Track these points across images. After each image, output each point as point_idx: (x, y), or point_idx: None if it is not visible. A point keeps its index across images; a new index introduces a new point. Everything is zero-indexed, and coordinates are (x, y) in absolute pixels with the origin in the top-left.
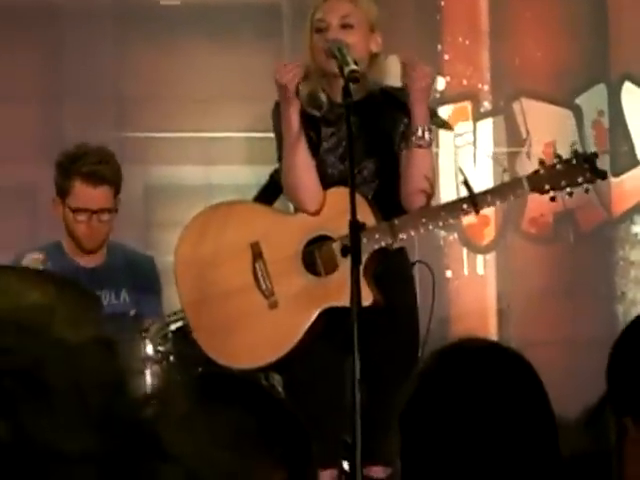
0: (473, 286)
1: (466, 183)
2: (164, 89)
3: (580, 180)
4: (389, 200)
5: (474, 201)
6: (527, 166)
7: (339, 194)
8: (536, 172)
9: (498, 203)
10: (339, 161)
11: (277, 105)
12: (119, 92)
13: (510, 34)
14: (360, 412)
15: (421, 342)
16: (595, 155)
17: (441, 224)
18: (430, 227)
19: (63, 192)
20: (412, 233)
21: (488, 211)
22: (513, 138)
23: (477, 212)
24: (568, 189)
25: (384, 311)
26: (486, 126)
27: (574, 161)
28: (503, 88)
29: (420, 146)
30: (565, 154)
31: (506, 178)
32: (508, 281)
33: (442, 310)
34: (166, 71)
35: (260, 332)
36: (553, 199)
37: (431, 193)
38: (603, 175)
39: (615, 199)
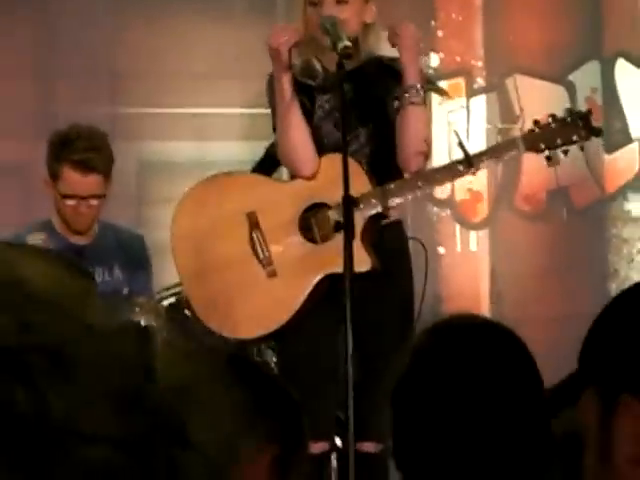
0: (466, 263)
1: (461, 144)
2: (158, 65)
3: (575, 138)
4: (384, 166)
5: (469, 162)
6: None
7: (334, 160)
8: (531, 131)
9: (494, 163)
10: (334, 128)
11: (271, 77)
12: (112, 68)
13: (504, 11)
14: (353, 386)
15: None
16: (589, 113)
17: (437, 186)
18: (427, 190)
19: (54, 175)
20: (409, 197)
21: (481, 187)
22: (506, 114)
23: (474, 173)
24: (563, 147)
25: (379, 282)
26: (479, 102)
27: (568, 119)
28: (496, 65)
29: (413, 103)
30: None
31: None
32: (501, 258)
33: (435, 286)
34: (160, 47)
35: (260, 301)
36: (549, 158)
37: (428, 153)
38: (597, 132)
39: (608, 176)
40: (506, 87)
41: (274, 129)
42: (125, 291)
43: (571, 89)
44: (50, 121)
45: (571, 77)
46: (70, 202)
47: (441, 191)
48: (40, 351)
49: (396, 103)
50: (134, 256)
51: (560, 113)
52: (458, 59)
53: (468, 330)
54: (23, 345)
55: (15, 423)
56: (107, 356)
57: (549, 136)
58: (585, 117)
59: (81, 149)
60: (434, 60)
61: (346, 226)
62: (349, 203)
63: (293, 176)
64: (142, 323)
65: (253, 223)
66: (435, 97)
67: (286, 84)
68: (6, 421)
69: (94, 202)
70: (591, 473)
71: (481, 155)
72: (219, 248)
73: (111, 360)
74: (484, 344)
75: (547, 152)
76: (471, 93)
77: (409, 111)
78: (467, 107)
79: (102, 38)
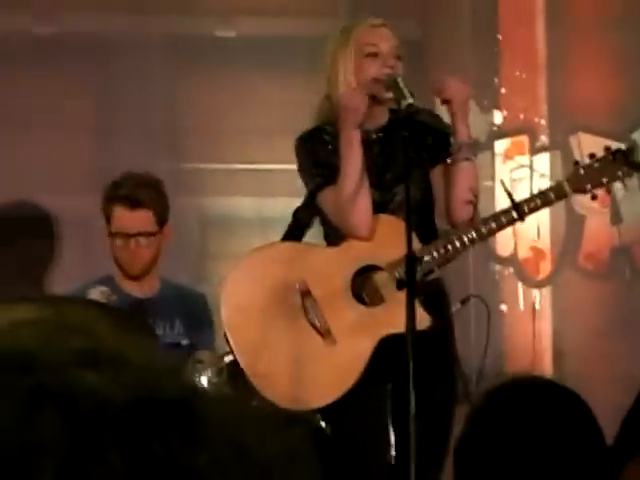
0: (528, 321)
1: (507, 191)
2: (217, 120)
3: (620, 174)
4: (422, 224)
5: (517, 208)
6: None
7: (378, 220)
8: (575, 172)
9: (542, 208)
10: (372, 188)
11: (302, 137)
12: (173, 124)
13: (567, 68)
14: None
15: (475, 378)
16: (630, 150)
17: (489, 236)
18: (475, 243)
19: (107, 219)
20: (459, 248)
21: (544, 245)
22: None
23: (522, 219)
24: (609, 184)
25: (425, 339)
26: (543, 160)
27: (610, 157)
28: (560, 122)
29: (467, 159)
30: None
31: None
32: (563, 316)
33: (497, 344)
34: (219, 103)
35: (324, 370)
36: (594, 197)
37: (476, 204)
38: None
39: None
40: (570, 145)
41: (315, 188)
42: (184, 342)
43: (635, 147)
44: (110, 177)
45: (634, 135)
46: (119, 242)
47: (504, 249)
48: (169, 407)
49: (449, 160)
50: (196, 312)
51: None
52: (521, 116)
53: (530, 391)
54: (155, 400)
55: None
56: (234, 413)
57: (593, 175)
58: (626, 153)
59: (129, 185)
60: (497, 117)
61: (409, 284)
62: (413, 261)
63: (330, 241)
64: (205, 378)
65: (304, 292)
66: (498, 155)
67: (357, 144)
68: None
69: (143, 241)
70: None
71: (529, 201)
72: (273, 322)
73: (238, 417)
74: (546, 405)
75: (593, 191)
76: (534, 151)
77: (461, 167)
78: (530, 165)
79: (162, 94)
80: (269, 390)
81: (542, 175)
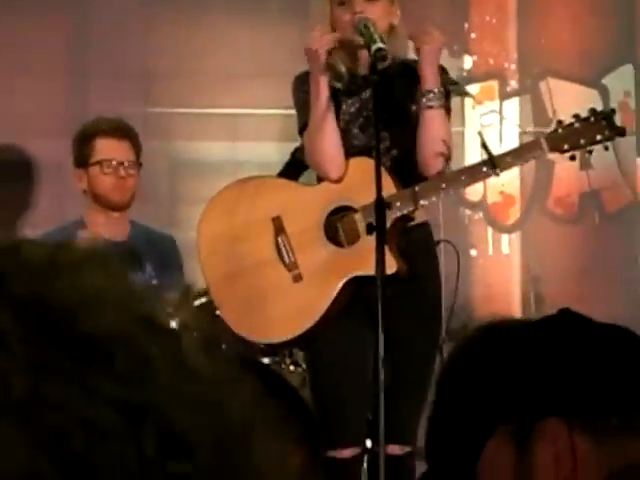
0: (498, 265)
1: (484, 145)
2: (190, 65)
3: (599, 137)
4: (407, 169)
5: (493, 163)
6: None
7: (360, 163)
8: (554, 131)
9: (518, 164)
10: (360, 132)
11: (298, 78)
12: (145, 67)
13: (537, 13)
14: (383, 389)
15: (444, 321)
16: (613, 112)
17: (462, 188)
18: (450, 192)
19: (83, 158)
20: (433, 198)
21: (513, 190)
22: (539, 118)
23: (497, 174)
24: (587, 147)
25: (406, 284)
26: (512, 105)
27: (592, 119)
28: (530, 68)
29: (430, 107)
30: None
31: None
32: (532, 260)
33: (466, 288)
34: (192, 46)
35: (286, 305)
36: (573, 158)
37: (448, 156)
38: (621, 132)
39: None
40: (539, 90)
41: (300, 131)
42: (154, 282)
43: (604, 93)
44: (81, 120)
45: (604, 80)
46: (108, 169)
47: (473, 194)
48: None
49: (414, 107)
50: (165, 256)
51: (585, 114)
52: (491, 62)
53: (524, 329)
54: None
55: None
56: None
57: (573, 136)
58: (608, 117)
59: (109, 122)
60: (467, 62)
61: (378, 228)
62: (382, 205)
63: (320, 179)
64: (174, 322)
65: (279, 228)
66: (468, 100)
67: (323, 87)
68: None
69: (132, 170)
70: None
71: (505, 156)
72: (245, 253)
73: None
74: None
75: (571, 152)
76: (504, 96)
77: (427, 115)
78: (500, 110)
79: (134, 38)
80: (235, 321)
81: (511, 121)
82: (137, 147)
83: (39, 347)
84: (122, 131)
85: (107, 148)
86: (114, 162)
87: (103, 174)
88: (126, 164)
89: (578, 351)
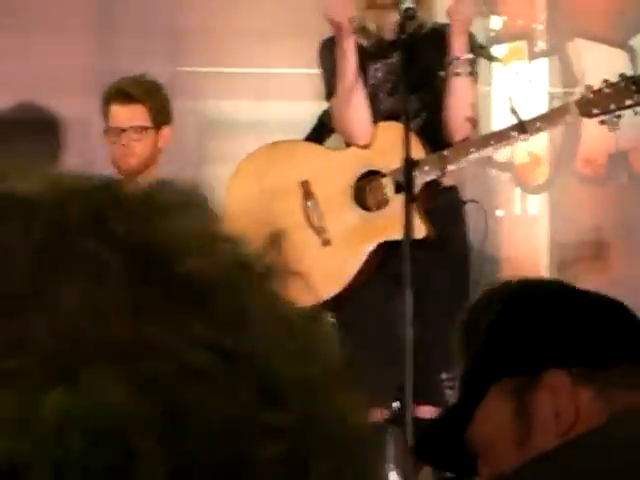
0: (525, 226)
1: (513, 110)
2: (219, 23)
3: (629, 102)
4: (436, 134)
5: (523, 127)
6: None
7: (388, 128)
8: (584, 96)
9: (547, 129)
10: (387, 96)
11: (324, 43)
12: (172, 26)
13: None
14: (411, 350)
15: (472, 279)
16: None
17: (491, 152)
18: (480, 156)
19: (106, 120)
20: (462, 163)
21: (541, 151)
22: (568, 79)
23: (527, 139)
24: (617, 112)
25: (434, 248)
26: (541, 66)
27: (622, 84)
28: (558, 28)
29: (457, 74)
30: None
31: None
32: (560, 221)
33: (493, 249)
34: (218, 6)
35: (315, 270)
36: (603, 122)
37: (475, 122)
38: None
39: None
40: (567, 51)
41: (327, 95)
42: None
43: (632, 54)
44: (109, 78)
45: (632, 42)
46: (112, 138)
47: (500, 154)
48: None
49: (442, 73)
50: None
51: (613, 77)
52: (520, 22)
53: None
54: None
55: None
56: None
57: (602, 101)
58: (638, 81)
59: (123, 82)
60: (496, 23)
61: (407, 189)
62: (410, 166)
63: (347, 144)
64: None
65: (307, 192)
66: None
67: (350, 55)
68: None
69: (135, 136)
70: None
71: (534, 121)
72: (274, 216)
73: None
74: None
75: (601, 117)
76: (533, 56)
77: (455, 82)
78: (528, 71)
79: None
80: None
81: (540, 81)
82: (154, 109)
83: (139, 288)
84: (127, 95)
85: (112, 115)
86: (116, 129)
87: (110, 142)
88: (129, 130)
89: (578, 305)
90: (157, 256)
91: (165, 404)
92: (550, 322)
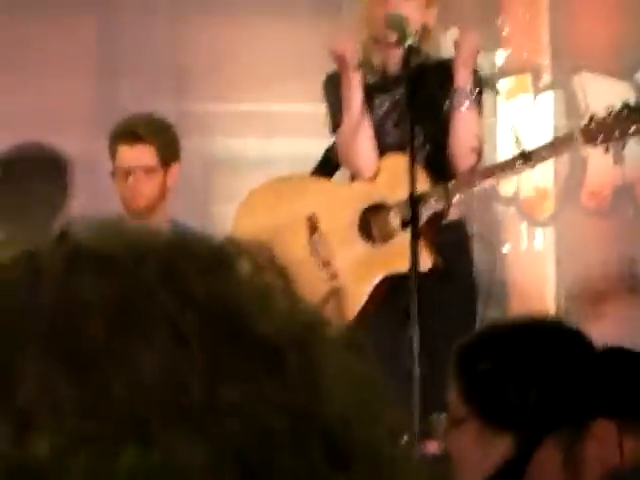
0: (531, 259)
1: (518, 140)
2: (221, 61)
3: (632, 130)
4: (441, 166)
5: (527, 156)
6: None
7: (394, 160)
8: (588, 124)
9: (552, 157)
10: (394, 128)
11: (329, 77)
12: (176, 64)
13: (570, 8)
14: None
15: (479, 317)
16: None
17: (496, 182)
18: (485, 186)
19: (113, 160)
20: (467, 194)
21: (547, 184)
22: (573, 112)
23: (532, 168)
24: (621, 140)
25: (440, 281)
26: (546, 99)
27: (625, 112)
28: (563, 62)
29: (462, 106)
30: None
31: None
32: (566, 255)
33: (499, 285)
34: (223, 43)
35: (322, 304)
36: (607, 150)
37: (479, 152)
38: None
39: None
40: (572, 84)
41: (333, 129)
42: None
43: (638, 87)
44: (114, 120)
45: (638, 75)
46: (120, 178)
47: (506, 188)
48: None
49: (446, 105)
50: None
51: (618, 107)
52: (525, 55)
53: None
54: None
55: None
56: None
57: (606, 129)
58: None
59: (130, 122)
60: (500, 57)
61: (413, 224)
62: (415, 201)
63: (353, 177)
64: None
65: (313, 226)
66: (501, 94)
67: (355, 90)
68: None
69: (142, 176)
70: None
71: (539, 150)
72: (280, 251)
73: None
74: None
75: (605, 145)
76: (538, 90)
77: (459, 114)
78: (533, 105)
79: (166, 34)
80: None
81: (545, 115)
82: (162, 148)
83: (216, 348)
84: (135, 135)
85: (120, 155)
86: (123, 169)
87: (118, 183)
88: (136, 170)
89: (626, 356)
90: (233, 317)
91: (241, 466)
92: (598, 372)
